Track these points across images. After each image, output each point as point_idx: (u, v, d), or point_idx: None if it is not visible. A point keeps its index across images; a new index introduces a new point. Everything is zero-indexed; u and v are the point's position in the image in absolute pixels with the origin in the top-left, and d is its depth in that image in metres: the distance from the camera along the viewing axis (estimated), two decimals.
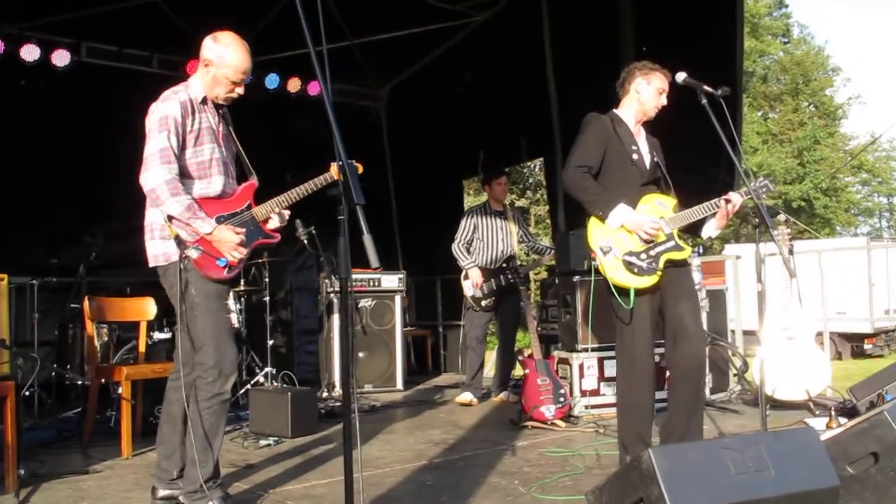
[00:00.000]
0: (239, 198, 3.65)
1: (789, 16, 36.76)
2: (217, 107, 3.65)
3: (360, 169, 3.61)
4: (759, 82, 33.95)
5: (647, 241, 3.82)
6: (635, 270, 3.79)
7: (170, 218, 3.38)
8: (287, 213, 3.80)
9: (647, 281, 3.80)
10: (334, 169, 3.78)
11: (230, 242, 3.44)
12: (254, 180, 3.73)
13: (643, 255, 3.81)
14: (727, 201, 3.82)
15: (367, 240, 2.14)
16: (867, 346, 15.76)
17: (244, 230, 3.53)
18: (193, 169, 3.50)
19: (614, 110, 4.08)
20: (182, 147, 3.45)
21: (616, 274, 3.81)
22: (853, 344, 15.89)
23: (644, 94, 3.98)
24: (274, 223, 3.74)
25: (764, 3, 34.69)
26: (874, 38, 61.26)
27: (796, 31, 36.96)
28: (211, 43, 3.54)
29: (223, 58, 3.50)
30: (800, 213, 30.87)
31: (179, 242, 3.38)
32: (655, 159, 4.03)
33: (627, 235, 3.84)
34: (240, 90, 3.61)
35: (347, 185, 2.17)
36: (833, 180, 32.43)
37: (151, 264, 3.56)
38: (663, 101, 4.00)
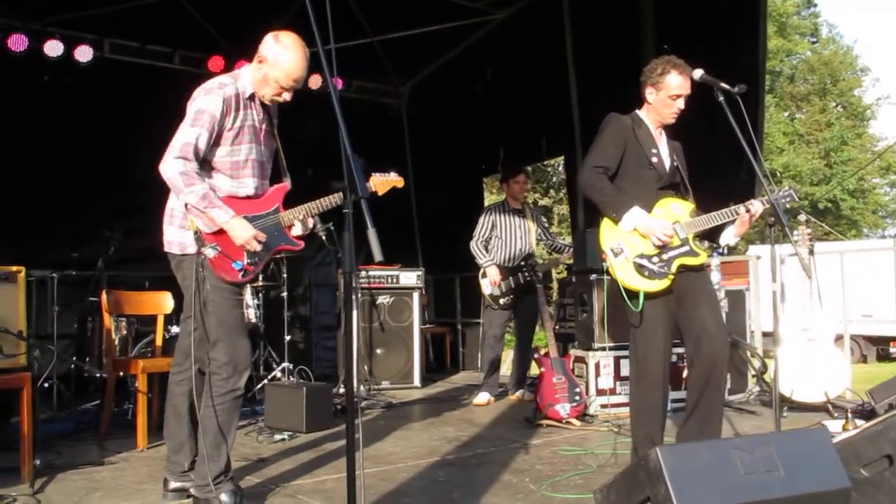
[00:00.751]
0: (268, 200, 3.58)
1: (818, 15, 36.39)
2: (263, 103, 3.57)
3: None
4: (786, 82, 33.64)
5: (659, 247, 3.76)
6: (646, 273, 3.73)
7: (187, 207, 3.33)
8: (312, 221, 3.71)
9: (658, 285, 3.74)
10: (374, 180, 3.75)
11: (244, 236, 3.35)
12: (287, 182, 3.65)
13: (655, 259, 3.75)
14: (747, 209, 3.73)
15: (372, 233, 2.13)
16: (893, 350, 15.56)
17: (266, 234, 3.45)
18: (227, 167, 3.46)
19: (637, 111, 4.00)
20: (217, 143, 3.40)
21: (626, 276, 3.76)
22: (879, 347, 15.71)
23: (655, 103, 3.88)
24: (297, 230, 3.63)
25: (792, 2, 34.35)
26: None
27: (825, 30, 36.58)
28: (271, 41, 3.44)
29: (279, 59, 3.41)
30: (826, 214, 30.57)
31: (198, 239, 3.32)
32: (675, 163, 3.95)
33: (640, 238, 3.78)
34: (287, 96, 3.51)
35: (352, 178, 2.17)
36: (860, 182, 32.04)
37: (165, 249, 3.53)
38: (680, 105, 3.84)
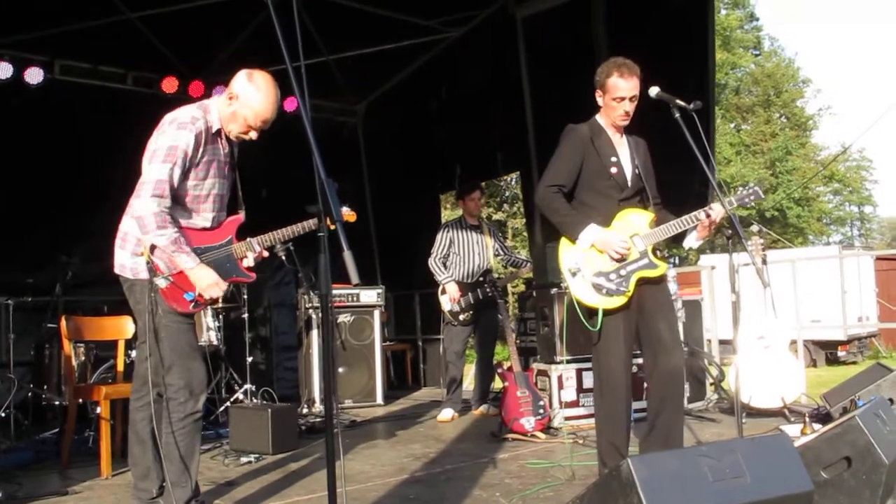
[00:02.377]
0: (222, 231, 3.60)
1: (760, 29, 37.31)
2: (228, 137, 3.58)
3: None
4: (731, 94, 34.36)
5: (617, 261, 3.80)
6: (603, 292, 3.77)
7: (152, 248, 3.33)
8: (265, 252, 3.71)
9: (616, 302, 3.78)
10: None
11: (208, 282, 3.38)
12: (241, 215, 3.67)
13: (613, 276, 3.77)
14: (707, 214, 3.77)
15: (348, 256, 2.15)
16: (841, 353, 15.96)
17: (217, 266, 3.47)
18: (189, 200, 3.46)
19: (596, 116, 3.99)
20: (184, 177, 3.38)
21: (584, 296, 3.80)
22: (827, 351, 16.08)
23: (604, 107, 3.90)
24: (248, 261, 3.64)
25: (735, 17, 35.14)
26: (843, 50, 62.22)
27: (767, 43, 37.52)
28: (244, 79, 3.45)
29: (250, 98, 3.42)
30: (773, 222, 31.22)
31: (151, 270, 3.34)
32: (637, 170, 3.93)
33: (598, 254, 3.81)
34: (254, 135, 3.51)
35: (327, 202, 2.19)
36: (805, 190, 32.83)
37: (117, 271, 3.52)
38: (625, 107, 3.82)
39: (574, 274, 3.83)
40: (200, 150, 3.39)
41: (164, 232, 3.27)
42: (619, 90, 3.80)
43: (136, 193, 3.32)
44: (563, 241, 3.91)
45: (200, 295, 3.41)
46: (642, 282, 3.83)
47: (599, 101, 3.91)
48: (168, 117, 3.42)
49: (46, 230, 7.47)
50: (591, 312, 3.84)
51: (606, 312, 3.79)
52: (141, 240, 3.37)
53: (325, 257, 2.18)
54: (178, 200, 3.42)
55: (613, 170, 3.88)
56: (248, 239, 3.65)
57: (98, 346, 6.25)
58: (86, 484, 4.53)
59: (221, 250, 3.55)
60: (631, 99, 3.82)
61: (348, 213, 3.86)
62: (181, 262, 3.32)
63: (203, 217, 3.52)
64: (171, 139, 3.32)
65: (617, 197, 3.89)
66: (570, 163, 3.88)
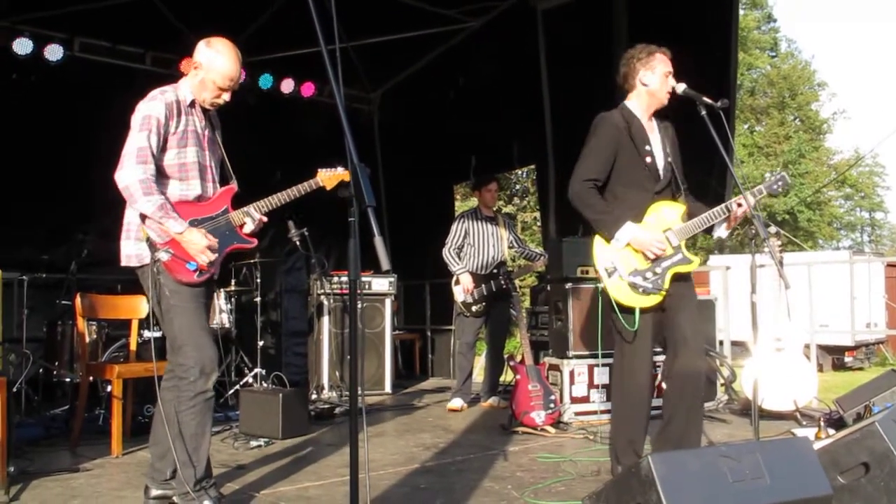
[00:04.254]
0: (216, 202, 3.64)
1: (777, 30, 37.08)
2: (205, 110, 3.67)
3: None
4: (746, 95, 34.19)
5: (653, 259, 3.76)
6: (640, 291, 3.74)
7: (143, 218, 3.38)
8: (264, 218, 3.74)
9: (652, 300, 3.75)
10: (321, 175, 3.82)
11: (198, 245, 3.41)
12: (233, 185, 3.73)
13: (649, 274, 3.74)
14: (739, 205, 3.73)
15: (379, 241, 2.13)
16: (847, 359, 15.87)
17: (217, 236, 3.52)
18: (174, 171, 3.52)
19: (625, 102, 3.92)
20: (164, 148, 3.47)
21: (620, 295, 3.76)
22: (834, 356, 16.01)
23: (652, 84, 3.82)
24: (248, 227, 3.68)
25: (753, 17, 34.95)
26: (859, 54, 61.90)
27: (784, 45, 37.29)
28: (203, 47, 3.58)
29: (213, 62, 3.54)
30: (784, 225, 31.08)
31: (150, 245, 3.37)
32: (669, 159, 3.88)
33: (633, 253, 3.77)
34: (226, 96, 3.63)
35: (359, 186, 2.17)
36: (816, 194, 32.70)
37: (123, 263, 3.56)
38: (672, 82, 3.82)
39: (610, 274, 3.79)
40: (174, 119, 3.48)
41: (151, 198, 3.33)
42: (668, 64, 3.82)
43: (119, 166, 3.37)
44: (598, 239, 3.85)
45: (203, 263, 3.45)
46: (675, 278, 3.80)
47: (646, 79, 3.82)
48: (140, 101, 3.51)
49: (63, 208, 7.48)
50: (625, 310, 3.79)
51: (641, 311, 3.77)
52: (141, 228, 3.41)
53: (355, 242, 2.16)
54: (165, 173, 3.49)
55: (648, 159, 3.82)
56: (244, 207, 3.69)
57: (110, 324, 6.27)
58: (97, 462, 4.55)
59: (219, 220, 3.60)
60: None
61: (341, 173, 3.86)
62: (170, 227, 3.36)
63: (192, 186, 3.56)
64: (143, 111, 3.43)
65: (652, 189, 3.83)
66: (605, 155, 3.81)
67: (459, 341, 6.95)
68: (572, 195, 3.84)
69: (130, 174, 3.32)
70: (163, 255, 3.36)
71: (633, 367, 3.81)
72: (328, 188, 3.82)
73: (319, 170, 3.84)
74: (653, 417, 3.96)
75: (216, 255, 3.51)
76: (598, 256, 3.84)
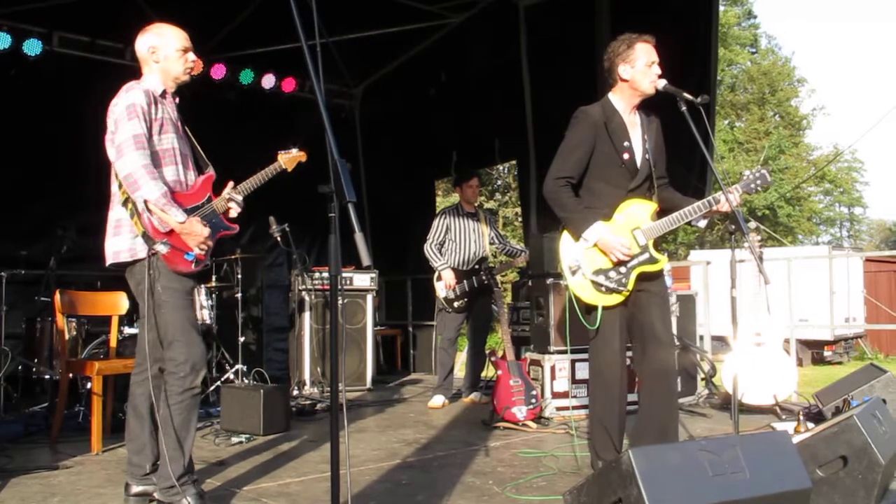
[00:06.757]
0: (199, 190, 3.63)
1: (757, 26, 37.27)
2: (174, 99, 3.67)
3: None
4: (726, 91, 34.36)
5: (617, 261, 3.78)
6: (602, 289, 3.77)
7: (145, 204, 3.32)
8: (240, 197, 3.76)
9: (614, 299, 3.78)
10: (282, 158, 3.87)
11: (200, 235, 3.42)
12: (211, 172, 3.72)
13: (612, 273, 3.76)
14: (717, 201, 3.73)
15: (359, 238, 2.13)
16: (827, 353, 16.03)
17: (207, 224, 3.52)
18: (157, 157, 3.49)
19: (608, 95, 3.90)
20: (149, 134, 3.45)
21: (583, 293, 3.80)
22: (813, 351, 16.15)
23: (634, 78, 3.78)
24: (234, 211, 3.73)
25: (733, 14, 35.12)
26: (838, 52, 62.40)
27: (764, 41, 37.52)
28: (145, 35, 3.59)
29: (163, 39, 3.56)
30: (763, 221, 31.31)
31: (147, 239, 3.34)
32: (647, 155, 3.86)
33: (599, 253, 3.78)
34: (192, 56, 3.65)
35: (339, 182, 2.17)
36: (796, 189, 32.93)
37: (112, 261, 3.51)
38: (656, 70, 3.78)
39: (574, 272, 3.82)
40: (153, 106, 3.47)
41: (157, 183, 3.31)
42: (651, 53, 3.79)
43: (117, 156, 3.34)
44: (565, 237, 3.88)
45: (199, 252, 3.46)
46: (641, 276, 3.82)
47: (625, 73, 3.80)
48: (115, 97, 3.48)
49: (42, 203, 7.43)
50: (589, 309, 3.84)
51: (604, 308, 3.79)
52: (135, 223, 3.36)
53: (335, 238, 2.15)
54: (159, 160, 3.47)
55: (625, 156, 3.81)
56: (223, 193, 3.70)
57: (89, 321, 6.22)
58: (76, 459, 4.52)
59: (205, 208, 3.60)
60: (657, 63, 3.81)
61: (298, 154, 3.88)
62: (172, 215, 3.33)
63: (169, 172, 3.53)
64: (125, 102, 3.39)
65: (626, 186, 3.83)
66: (579, 153, 3.82)
67: (441, 337, 6.95)
68: (545, 193, 3.88)
69: (133, 160, 3.28)
70: (161, 248, 3.32)
71: (606, 363, 3.84)
72: (289, 170, 3.89)
73: (279, 153, 3.87)
74: (632, 412, 3.98)
75: (212, 243, 3.54)
76: (564, 254, 3.88)
